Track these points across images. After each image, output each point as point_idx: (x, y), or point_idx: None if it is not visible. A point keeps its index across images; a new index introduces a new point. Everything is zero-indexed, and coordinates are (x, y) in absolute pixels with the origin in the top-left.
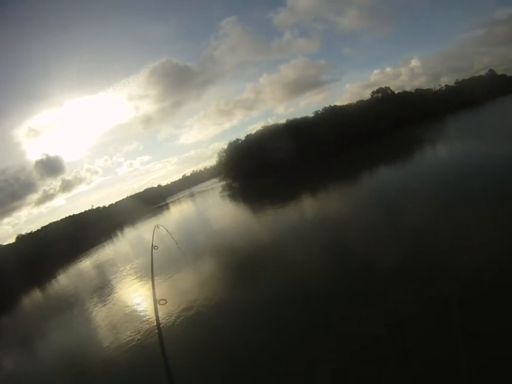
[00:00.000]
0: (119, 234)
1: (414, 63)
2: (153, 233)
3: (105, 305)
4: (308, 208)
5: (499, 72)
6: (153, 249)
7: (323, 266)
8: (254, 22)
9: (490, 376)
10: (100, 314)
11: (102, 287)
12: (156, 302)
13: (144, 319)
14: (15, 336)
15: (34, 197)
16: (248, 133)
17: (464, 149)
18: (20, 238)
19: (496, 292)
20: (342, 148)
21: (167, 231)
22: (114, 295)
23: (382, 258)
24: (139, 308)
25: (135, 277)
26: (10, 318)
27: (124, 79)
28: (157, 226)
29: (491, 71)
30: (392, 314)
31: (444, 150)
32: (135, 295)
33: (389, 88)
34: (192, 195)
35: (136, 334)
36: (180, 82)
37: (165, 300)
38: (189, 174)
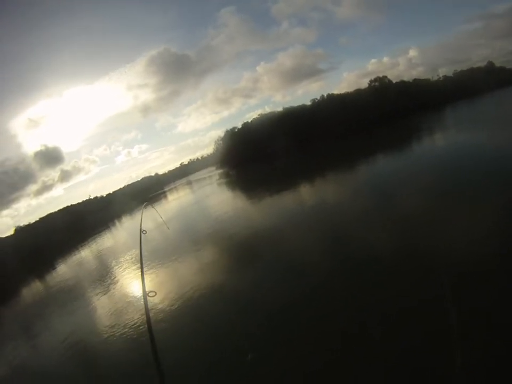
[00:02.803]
0: (117, 223)
1: (412, 53)
2: (141, 216)
3: (100, 294)
4: (304, 196)
5: (498, 65)
6: (142, 234)
7: (319, 255)
8: (252, 11)
9: (484, 367)
10: (96, 303)
11: (99, 276)
12: (145, 293)
13: (136, 307)
14: (14, 326)
15: (33, 188)
16: (245, 121)
17: (462, 138)
18: (18, 230)
19: (492, 283)
20: (339, 136)
21: (155, 209)
22: (110, 284)
23: (378, 247)
24: (133, 296)
25: (131, 265)
26: (10, 308)
27: (121, 67)
28: (145, 205)
29: (490, 63)
30: (387, 303)
31: (441, 140)
32: (129, 283)
33: (386, 77)
34: (189, 183)
35: (128, 322)
36: (178, 71)
37: (154, 292)
38: (186, 163)
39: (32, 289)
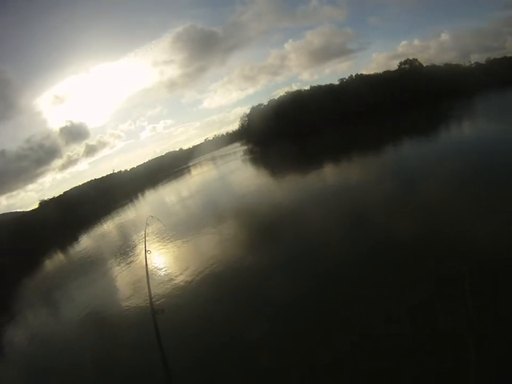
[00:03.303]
0: (140, 197)
1: (444, 37)
2: (145, 236)
3: (119, 267)
4: (327, 176)
5: None
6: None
7: (338, 239)
8: None
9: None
10: (114, 275)
11: (119, 249)
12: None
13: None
14: (36, 295)
15: (59, 162)
16: (272, 98)
17: (492, 127)
18: (43, 204)
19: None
20: (366, 118)
21: (158, 220)
22: (128, 257)
23: (398, 233)
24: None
25: (150, 239)
26: (33, 279)
27: (147, 44)
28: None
29: None
30: (404, 290)
31: (471, 128)
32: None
33: (417, 60)
34: (213, 159)
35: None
36: (205, 47)
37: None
38: (211, 138)
39: (55, 261)
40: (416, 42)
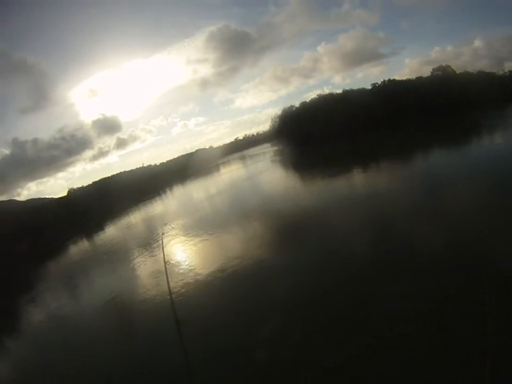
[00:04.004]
0: (168, 192)
1: (477, 43)
2: (163, 248)
3: (141, 257)
4: (356, 181)
5: None
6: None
7: (361, 242)
8: None
9: None
10: (136, 265)
11: (143, 240)
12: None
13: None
14: (59, 279)
15: (90, 153)
16: (303, 101)
17: None
18: (71, 192)
19: None
20: (398, 123)
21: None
22: (152, 248)
23: (421, 239)
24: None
25: (174, 233)
26: (57, 263)
27: (180, 42)
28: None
29: None
30: (425, 294)
31: (503, 138)
32: (168, 251)
33: (450, 66)
34: (243, 158)
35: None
36: (238, 47)
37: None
38: (241, 138)
39: (80, 248)
40: (449, 48)
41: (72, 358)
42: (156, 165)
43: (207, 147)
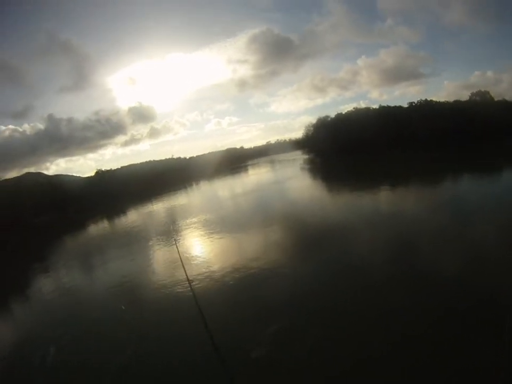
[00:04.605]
0: (194, 186)
1: None
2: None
3: (160, 245)
4: (380, 198)
5: None
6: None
7: (379, 260)
8: (358, 2)
9: None
10: (153, 252)
11: (163, 229)
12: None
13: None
14: (75, 256)
15: (122, 138)
16: (339, 112)
17: None
18: (99, 173)
19: None
20: (432, 144)
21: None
22: (171, 238)
23: (445, 264)
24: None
25: (196, 227)
26: (75, 241)
27: (222, 41)
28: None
29: None
30: (441, 320)
31: None
32: (188, 243)
33: (488, 93)
34: (272, 162)
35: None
36: (279, 52)
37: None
38: (273, 142)
39: (99, 227)
40: (489, 73)
41: (77, 332)
42: (185, 158)
43: (238, 147)
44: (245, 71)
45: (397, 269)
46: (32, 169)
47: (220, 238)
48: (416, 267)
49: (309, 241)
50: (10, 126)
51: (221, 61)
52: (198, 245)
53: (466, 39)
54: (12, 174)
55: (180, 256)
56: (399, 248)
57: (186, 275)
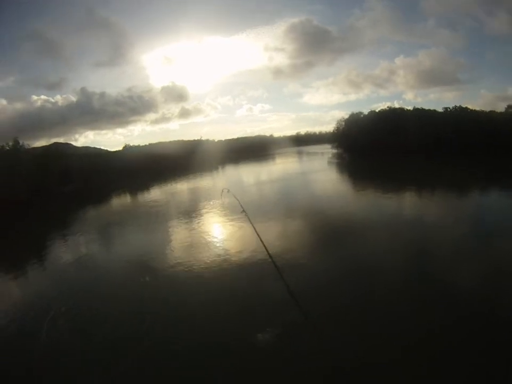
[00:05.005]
0: (220, 169)
1: None
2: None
3: (180, 225)
4: (404, 201)
5: None
6: None
7: (396, 266)
8: (400, 0)
9: None
10: (172, 232)
11: (185, 210)
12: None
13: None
14: (95, 227)
15: (152, 116)
16: (372, 110)
17: None
18: (127, 148)
19: None
20: (463, 153)
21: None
22: (192, 219)
23: (461, 279)
24: (207, 238)
25: (216, 209)
26: (97, 211)
27: (259, 27)
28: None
29: None
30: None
31: None
32: (208, 225)
33: None
34: (300, 153)
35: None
36: (317, 43)
37: None
38: (302, 133)
39: (122, 201)
40: None
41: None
42: (214, 141)
43: (267, 135)
44: (281, 59)
45: (412, 280)
46: (61, 140)
47: (237, 224)
48: (431, 281)
49: (326, 235)
50: (43, 97)
51: (257, 47)
52: (218, 228)
53: (508, 50)
54: (41, 143)
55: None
56: (416, 257)
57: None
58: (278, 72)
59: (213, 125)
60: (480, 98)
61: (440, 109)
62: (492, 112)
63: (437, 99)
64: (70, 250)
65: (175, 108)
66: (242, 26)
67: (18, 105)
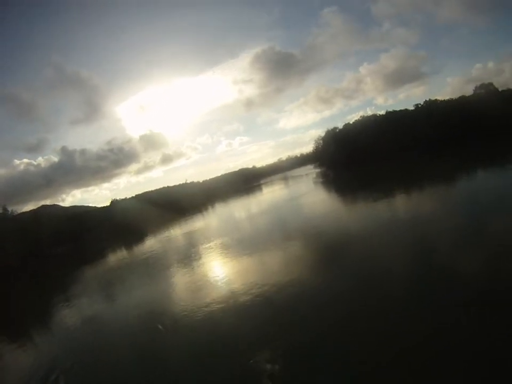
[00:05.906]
0: (210, 209)
1: None
2: None
3: (180, 272)
4: (395, 205)
5: None
6: None
7: (399, 273)
8: (353, 11)
9: None
10: (174, 280)
11: (182, 255)
12: None
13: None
14: (95, 285)
15: (135, 166)
16: (346, 122)
17: None
18: (114, 202)
19: None
20: (442, 145)
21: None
22: (191, 265)
23: (462, 276)
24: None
25: (214, 251)
26: (94, 269)
27: (225, 62)
28: None
29: None
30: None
31: None
32: (208, 268)
33: (492, 84)
34: (285, 178)
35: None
36: (283, 68)
37: None
38: (284, 159)
39: (118, 256)
40: (490, 64)
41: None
42: (199, 182)
43: (250, 167)
44: (250, 90)
45: (416, 284)
46: (48, 202)
47: (237, 261)
48: (434, 278)
49: (325, 257)
50: (25, 160)
51: (226, 82)
52: (217, 268)
53: (462, 34)
54: (29, 207)
55: None
56: (417, 260)
57: None
58: (249, 104)
59: (196, 166)
60: (448, 86)
61: (411, 107)
62: (461, 97)
63: (407, 97)
64: (72, 313)
65: (156, 155)
66: (208, 64)
67: (1, 171)
